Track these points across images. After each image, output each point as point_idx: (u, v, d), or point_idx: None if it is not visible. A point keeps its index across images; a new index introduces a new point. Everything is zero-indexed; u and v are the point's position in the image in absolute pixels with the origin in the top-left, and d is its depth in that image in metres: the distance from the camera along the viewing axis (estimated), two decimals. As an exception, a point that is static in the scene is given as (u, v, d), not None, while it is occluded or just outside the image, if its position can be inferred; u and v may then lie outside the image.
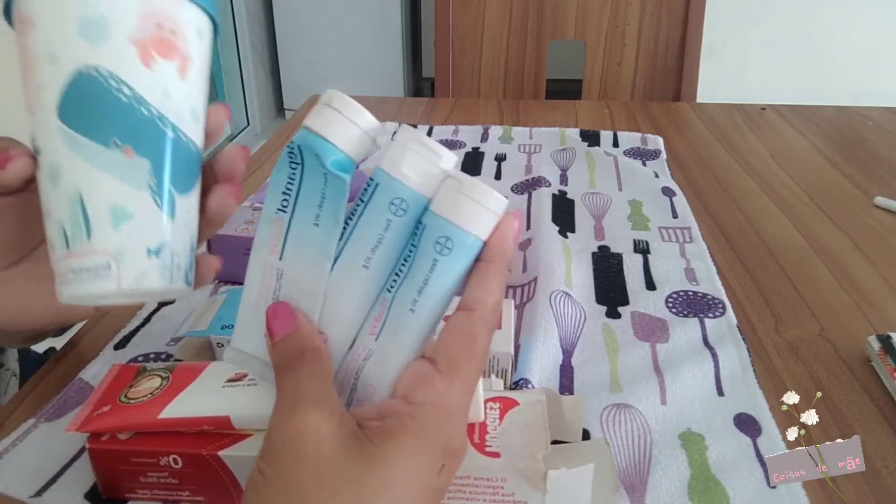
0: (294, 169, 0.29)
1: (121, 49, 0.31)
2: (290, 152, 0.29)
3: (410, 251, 0.29)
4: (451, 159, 0.29)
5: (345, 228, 0.29)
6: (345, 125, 0.28)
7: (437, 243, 0.28)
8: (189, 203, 0.34)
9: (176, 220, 0.33)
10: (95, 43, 0.31)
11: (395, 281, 0.29)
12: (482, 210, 0.28)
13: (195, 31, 0.33)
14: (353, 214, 0.29)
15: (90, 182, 0.31)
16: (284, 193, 0.29)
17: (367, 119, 0.29)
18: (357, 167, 0.29)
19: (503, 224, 0.29)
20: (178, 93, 0.33)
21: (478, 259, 0.29)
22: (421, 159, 0.28)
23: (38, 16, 0.31)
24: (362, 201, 0.29)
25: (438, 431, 0.27)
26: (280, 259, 0.30)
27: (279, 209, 0.30)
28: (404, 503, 0.26)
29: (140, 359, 0.49)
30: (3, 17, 0.32)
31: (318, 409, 0.26)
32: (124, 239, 0.32)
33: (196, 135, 0.34)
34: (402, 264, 0.29)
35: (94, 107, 0.31)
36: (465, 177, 0.28)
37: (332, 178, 0.28)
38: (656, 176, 0.77)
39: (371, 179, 0.29)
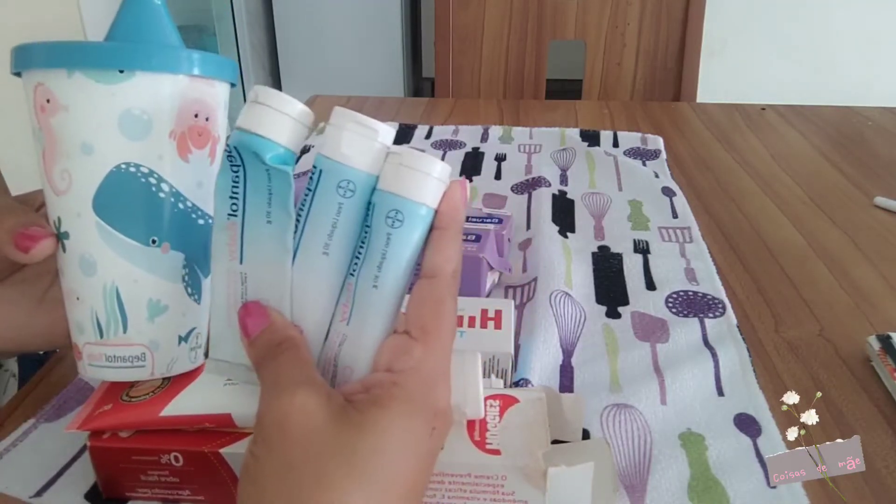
0: (236, 171, 0.29)
1: (161, 145, 0.31)
2: (230, 156, 0.28)
3: (366, 232, 0.29)
4: (389, 133, 0.29)
5: (298, 220, 0.29)
6: (276, 118, 0.28)
7: (387, 218, 0.28)
8: (209, 281, 0.34)
9: (202, 304, 0.34)
10: (136, 139, 0.30)
11: (356, 265, 0.29)
12: (426, 178, 0.28)
13: (223, 107, 0.33)
14: (303, 205, 0.29)
15: (128, 278, 0.32)
16: (232, 198, 0.29)
17: (298, 108, 0.29)
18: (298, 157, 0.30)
19: (452, 190, 0.29)
20: (209, 179, 0.33)
21: (432, 228, 0.29)
22: (359, 137, 0.28)
23: (73, 103, 0.30)
24: (310, 190, 0.29)
25: (423, 395, 0.27)
26: (241, 263, 0.30)
27: (230, 214, 0.29)
28: (396, 468, 0.26)
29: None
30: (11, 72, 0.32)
31: (303, 389, 0.27)
32: (159, 331, 0.33)
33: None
34: (360, 247, 0.29)
35: (133, 204, 0.31)
36: (405, 149, 0.28)
37: (275, 173, 0.28)
38: (656, 176, 0.77)
39: (314, 167, 0.29)
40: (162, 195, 0.31)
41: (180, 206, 0.32)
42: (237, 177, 0.29)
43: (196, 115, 0.31)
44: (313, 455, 0.25)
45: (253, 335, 0.29)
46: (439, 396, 0.28)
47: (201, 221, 0.33)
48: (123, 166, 0.30)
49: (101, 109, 0.30)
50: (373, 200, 0.29)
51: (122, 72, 0.29)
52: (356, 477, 0.25)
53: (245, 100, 0.29)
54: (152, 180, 0.31)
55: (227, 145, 0.28)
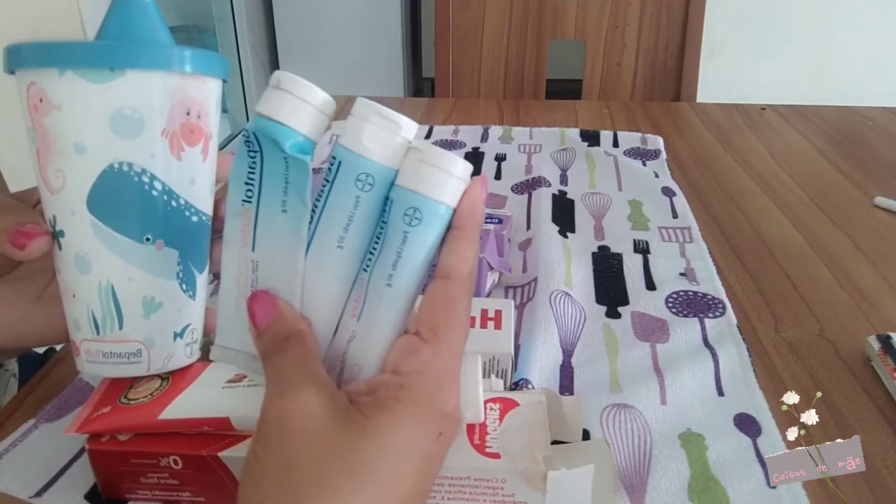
0: (253, 157, 0.28)
1: (153, 143, 0.31)
2: (247, 141, 0.28)
3: (382, 228, 0.28)
4: (412, 127, 0.28)
5: (313, 211, 0.29)
6: (297, 106, 0.28)
7: (405, 215, 0.28)
8: (205, 276, 0.35)
9: (196, 300, 0.34)
10: (128, 138, 0.30)
11: (370, 260, 0.29)
12: (447, 177, 0.28)
13: (215, 104, 0.33)
14: (320, 196, 0.28)
15: (122, 276, 0.32)
16: (247, 184, 0.29)
17: (320, 96, 0.28)
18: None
19: (471, 190, 0.29)
20: (201, 176, 0.33)
21: (449, 227, 0.28)
22: (381, 131, 0.28)
23: (65, 103, 0.30)
24: (328, 181, 0.28)
25: (430, 398, 0.27)
26: (253, 251, 0.29)
27: (244, 200, 0.29)
28: (399, 472, 0.25)
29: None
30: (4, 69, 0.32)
31: (306, 388, 0.26)
32: (154, 327, 0.33)
33: (211, 206, 0.34)
34: (376, 242, 0.29)
35: (126, 203, 0.31)
36: (427, 145, 0.28)
37: (294, 162, 0.28)
38: (656, 176, 0.77)
39: (333, 157, 0.28)
40: (155, 193, 0.31)
41: (173, 203, 0.32)
42: (254, 163, 0.28)
43: (188, 113, 0.31)
44: (314, 457, 0.25)
45: (260, 324, 0.29)
46: (447, 399, 0.28)
47: (195, 219, 0.33)
48: (116, 165, 0.30)
49: (92, 108, 0.30)
50: (391, 196, 0.28)
51: (112, 70, 0.29)
52: (358, 481, 0.25)
53: (245, 98, 0.29)
54: (145, 179, 0.31)
55: (246, 130, 0.28)
